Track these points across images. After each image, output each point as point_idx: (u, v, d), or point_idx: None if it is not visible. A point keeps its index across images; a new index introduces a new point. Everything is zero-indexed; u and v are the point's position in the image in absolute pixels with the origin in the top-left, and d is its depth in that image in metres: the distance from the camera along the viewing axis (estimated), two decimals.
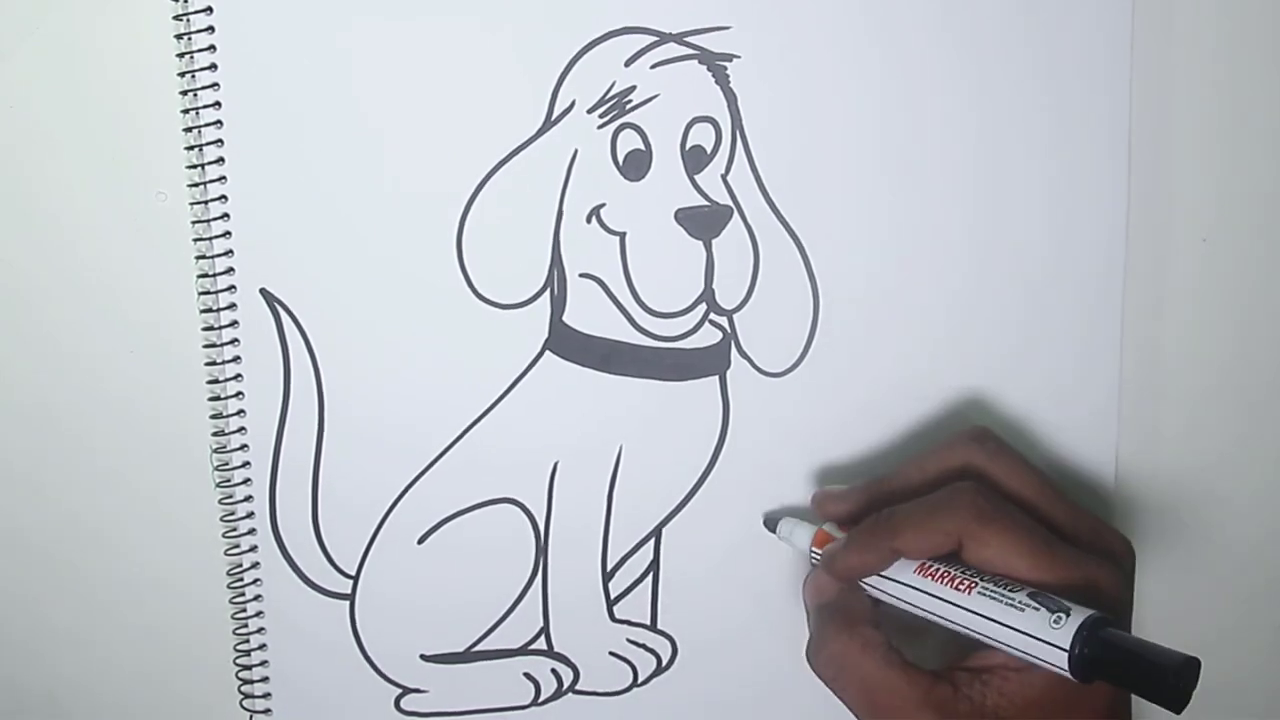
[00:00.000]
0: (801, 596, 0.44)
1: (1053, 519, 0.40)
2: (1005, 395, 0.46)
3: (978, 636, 0.38)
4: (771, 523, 0.45)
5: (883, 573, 0.40)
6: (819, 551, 0.43)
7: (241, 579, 0.45)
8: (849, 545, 0.41)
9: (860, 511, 0.43)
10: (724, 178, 0.44)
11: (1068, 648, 0.35)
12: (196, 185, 0.42)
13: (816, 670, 0.41)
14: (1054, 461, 0.46)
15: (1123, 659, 0.35)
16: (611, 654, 0.47)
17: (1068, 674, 0.36)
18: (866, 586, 0.41)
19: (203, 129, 0.42)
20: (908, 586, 0.40)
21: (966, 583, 0.38)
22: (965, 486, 0.39)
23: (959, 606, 0.38)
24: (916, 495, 0.40)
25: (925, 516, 0.39)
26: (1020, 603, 0.37)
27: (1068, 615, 0.36)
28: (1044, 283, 0.45)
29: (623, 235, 0.44)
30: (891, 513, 0.40)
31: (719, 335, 0.45)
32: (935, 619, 0.39)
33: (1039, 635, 0.36)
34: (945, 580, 0.39)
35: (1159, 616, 0.47)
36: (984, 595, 0.38)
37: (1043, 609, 0.36)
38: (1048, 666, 0.36)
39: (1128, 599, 0.39)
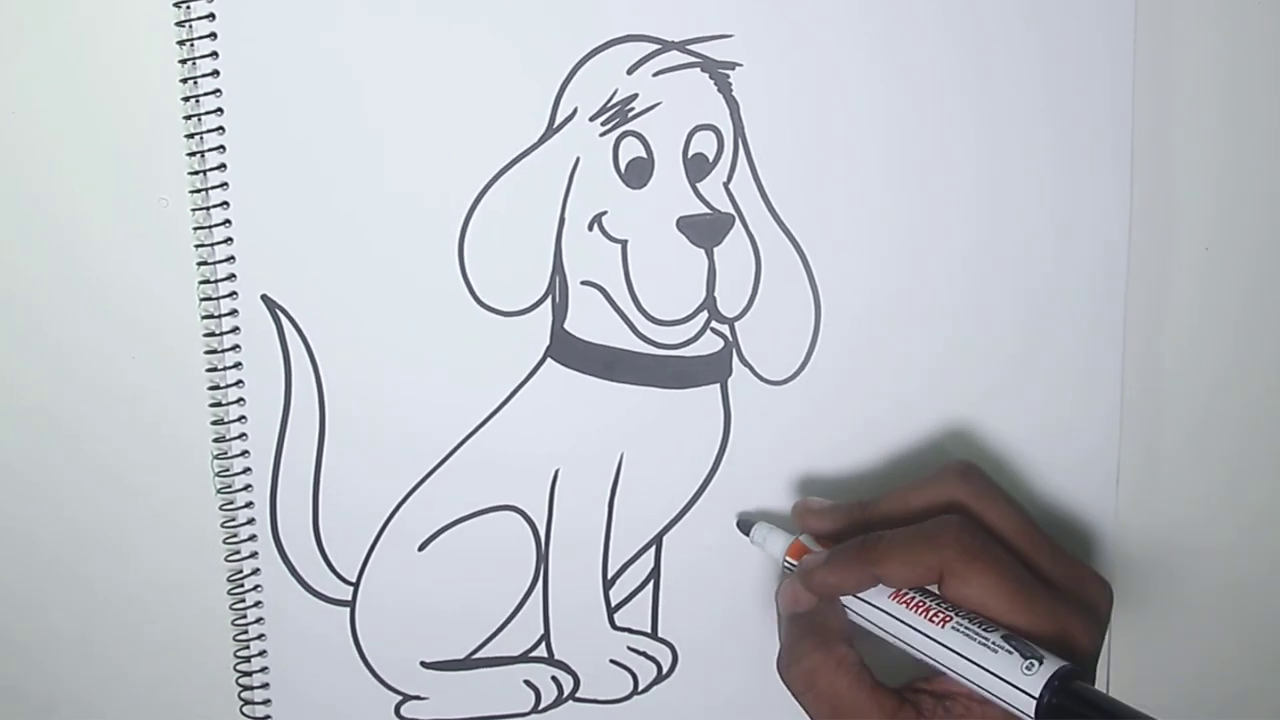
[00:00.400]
0: (774, 603, 0.43)
1: (1033, 559, 0.40)
2: (1006, 399, 0.46)
3: (945, 670, 0.38)
4: (745, 525, 0.45)
5: (858, 594, 0.40)
6: (793, 561, 0.42)
7: (242, 585, 0.45)
8: (830, 563, 0.40)
9: (840, 532, 0.43)
10: (726, 186, 0.44)
11: (1037, 696, 0.35)
12: (198, 191, 0.42)
13: (787, 682, 0.41)
14: (1055, 470, 0.46)
15: (1090, 715, 0.35)
16: (612, 661, 0.47)
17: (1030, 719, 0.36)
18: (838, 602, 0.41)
19: (205, 135, 0.42)
20: (882, 611, 0.39)
21: (941, 615, 0.38)
22: (951, 521, 0.39)
23: (931, 639, 0.38)
24: (897, 526, 0.40)
25: (910, 548, 0.39)
26: (994, 644, 0.37)
27: (1040, 664, 0.36)
28: (1046, 293, 0.45)
29: (624, 243, 0.44)
30: (879, 539, 0.40)
31: (720, 343, 0.45)
32: (904, 645, 0.39)
33: (1009, 679, 0.36)
34: (920, 610, 0.38)
35: (1158, 642, 0.47)
36: (957, 631, 0.37)
37: (1015, 653, 0.36)
38: (1012, 710, 0.36)
39: (1099, 646, 0.39)
